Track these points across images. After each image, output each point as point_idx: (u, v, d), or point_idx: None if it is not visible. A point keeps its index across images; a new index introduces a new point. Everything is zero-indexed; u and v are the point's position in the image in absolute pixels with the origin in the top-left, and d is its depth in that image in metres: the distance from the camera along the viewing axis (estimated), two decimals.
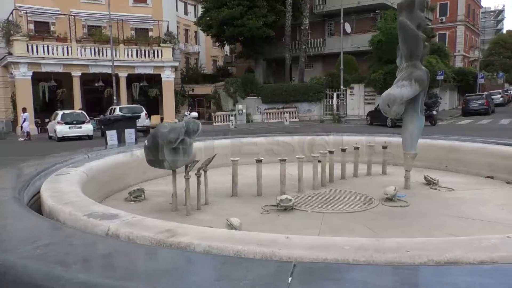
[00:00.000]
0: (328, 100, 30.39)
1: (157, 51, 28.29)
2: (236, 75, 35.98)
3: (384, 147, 7.04)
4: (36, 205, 3.87)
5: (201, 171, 5.03)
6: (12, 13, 25.86)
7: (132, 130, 7.66)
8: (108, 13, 26.14)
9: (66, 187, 3.89)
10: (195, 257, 2.29)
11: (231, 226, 3.91)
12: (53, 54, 25.78)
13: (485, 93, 31.25)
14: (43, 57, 25.48)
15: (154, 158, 4.62)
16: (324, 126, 24.06)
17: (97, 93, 28.00)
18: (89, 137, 21.15)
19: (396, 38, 24.06)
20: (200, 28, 34.34)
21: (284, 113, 28.66)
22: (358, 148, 6.93)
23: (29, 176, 4.40)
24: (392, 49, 29.80)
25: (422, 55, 5.80)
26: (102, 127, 8.72)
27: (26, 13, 26.80)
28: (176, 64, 29.00)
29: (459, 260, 2.21)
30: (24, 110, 22.97)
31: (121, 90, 27.51)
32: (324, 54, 33.18)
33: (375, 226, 4.35)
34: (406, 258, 2.22)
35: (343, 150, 6.74)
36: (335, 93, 29.13)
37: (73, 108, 25.35)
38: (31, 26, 28.06)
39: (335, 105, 29.33)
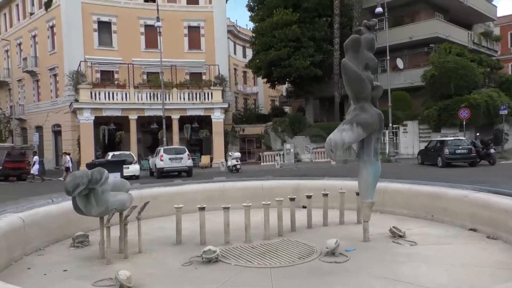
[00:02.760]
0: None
1: (208, 94, 29.49)
2: (290, 115, 36.16)
3: (358, 193, 6.54)
4: None
5: (127, 220, 5.03)
6: (80, 64, 28.71)
7: (118, 174, 8.01)
8: (165, 60, 28.16)
9: None
10: None
11: (116, 280, 3.84)
12: (113, 99, 27.98)
13: None
14: (104, 103, 27.74)
15: (75, 205, 4.73)
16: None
17: (152, 135, 29.61)
18: (136, 177, 22.17)
19: (450, 72, 23.10)
20: (251, 70, 35.35)
21: None
22: (327, 194, 6.53)
23: None
24: (446, 84, 28.32)
25: (375, 96, 5.42)
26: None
27: (92, 64, 29.58)
28: (225, 105, 29.91)
29: None
30: (34, 153, 24.93)
31: (173, 132, 28.88)
32: None
33: (282, 285, 4.02)
34: None
35: (308, 197, 6.39)
36: (386, 131, 27.91)
37: (129, 149, 27.03)
38: (98, 75, 30.90)
39: (387, 144, 28.06)
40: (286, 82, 34.87)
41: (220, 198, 7.56)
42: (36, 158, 23.77)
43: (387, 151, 27.15)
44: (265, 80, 34.77)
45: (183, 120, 29.58)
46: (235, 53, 46.47)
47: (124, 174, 21.62)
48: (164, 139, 26.37)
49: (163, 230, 6.36)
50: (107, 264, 4.75)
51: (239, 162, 24.07)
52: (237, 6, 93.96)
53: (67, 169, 23.45)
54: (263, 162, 28.76)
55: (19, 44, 36.58)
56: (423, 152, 23.33)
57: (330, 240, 4.89)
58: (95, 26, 31.07)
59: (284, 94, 44.37)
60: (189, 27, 32.87)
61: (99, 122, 28.14)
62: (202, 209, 5.61)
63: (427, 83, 27.47)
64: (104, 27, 31.44)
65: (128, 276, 3.87)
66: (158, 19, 26.64)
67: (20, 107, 36.39)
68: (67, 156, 24.37)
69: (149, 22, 30.39)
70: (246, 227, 5.60)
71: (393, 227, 5.64)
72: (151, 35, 30.69)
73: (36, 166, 23.25)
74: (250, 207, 5.77)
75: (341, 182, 7.58)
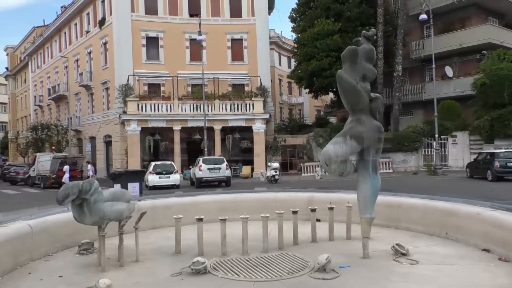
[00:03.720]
0: (427, 149, 27.97)
1: (249, 105, 29.80)
2: (332, 125, 35.62)
3: None
4: None
5: (123, 229, 5.19)
6: (128, 78, 30.13)
7: (137, 184, 8.25)
8: (208, 72, 28.95)
9: None
10: None
11: None
12: (158, 111, 29.08)
13: None
14: (150, 114, 28.88)
15: (73, 214, 4.97)
16: (403, 180, 22.06)
17: (195, 145, 30.32)
18: (176, 186, 22.77)
19: (503, 79, 21.92)
20: (293, 80, 35.29)
21: None
22: (332, 208, 6.36)
23: None
24: (498, 92, 26.84)
25: (374, 108, 5.21)
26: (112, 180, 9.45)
27: (140, 77, 30.94)
28: (267, 116, 30.03)
29: None
30: (64, 163, 25.30)
31: (215, 142, 29.45)
32: (424, 101, 30.98)
33: None
34: None
35: (313, 210, 6.26)
36: (434, 142, 26.66)
37: (173, 159, 27.85)
38: (145, 88, 32.23)
39: (434, 156, 26.79)
40: (329, 92, 34.44)
41: (233, 209, 7.60)
42: (66, 167, 24.67)
43: (433, 163, 25.92)
44: (307, 90, 34.56)
45: (225, 131, 30.07)
46: (280, 64, 46.72)
47: (165, 184, 22.60)
48: (206, 149, 26.89)
49: (170, 240, 6.45)
50: (101, 272, 4.91)
51: (277, 173, 23.99)
52: (282, 18, 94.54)
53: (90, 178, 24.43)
54: (304, 173, 28.47)
55: (77, 60, 39.11)
56: (472, 164, 22.02)
57: (322, 256, 4.76)
58: (144, 41, 32.51)
59: (329, 104, 43.83)
60: (232, 40, 33.49)
61: (145, 133, 29.31)
62: (200, 220, 5.67)
63: (478, 91, 26.03)
64: (152, 42, 32.81)
65: (108, 285, 3.98)
66: (200, 33, 27.42)
67: (76, 119, 38.76)
68: (89, 165, 25.34)
69: (194, 36, 31.13)
70: (244, 240, 5.58)
71: (396, 244, 5.37)
72: (196, 48, 31.49)
73: (67, 175, 24.20)
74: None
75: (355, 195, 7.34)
